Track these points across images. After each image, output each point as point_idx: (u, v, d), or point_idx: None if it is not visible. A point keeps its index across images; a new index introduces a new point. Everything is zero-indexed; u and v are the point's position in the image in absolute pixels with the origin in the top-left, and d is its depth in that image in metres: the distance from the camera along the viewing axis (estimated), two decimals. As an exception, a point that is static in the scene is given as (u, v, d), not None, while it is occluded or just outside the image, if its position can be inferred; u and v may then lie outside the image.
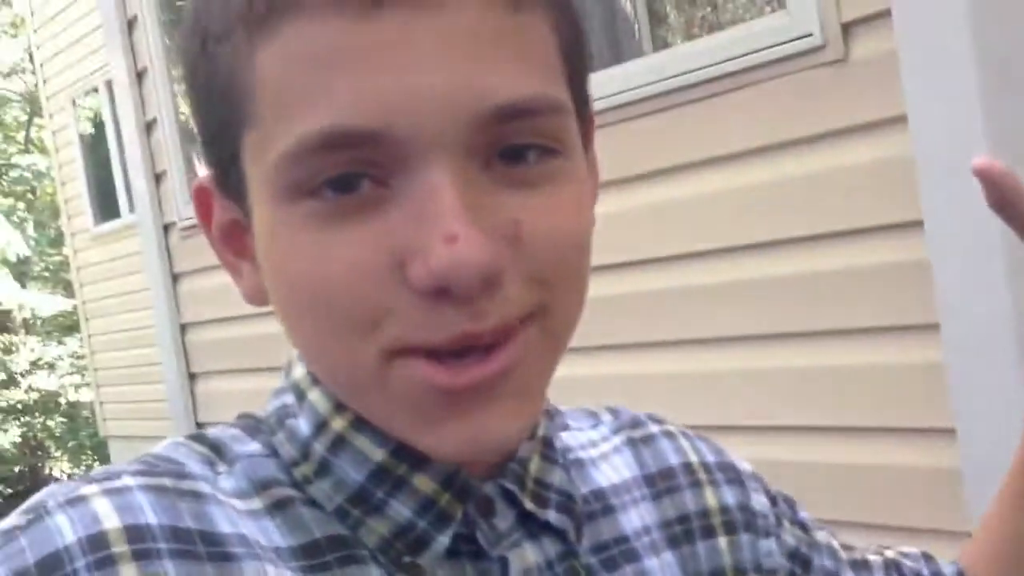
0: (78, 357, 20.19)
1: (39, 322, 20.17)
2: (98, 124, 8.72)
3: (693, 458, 0.65)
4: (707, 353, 2.00)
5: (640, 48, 2.55)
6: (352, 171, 0.45)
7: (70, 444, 20.27)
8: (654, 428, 0.67)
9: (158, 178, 3.44)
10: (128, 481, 0.50)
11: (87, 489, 0.49)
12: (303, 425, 0.55)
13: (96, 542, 0.47)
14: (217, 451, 0.55)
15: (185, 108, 3.66)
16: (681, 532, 0.62)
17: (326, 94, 0.44)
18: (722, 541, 0.63)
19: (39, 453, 20.32)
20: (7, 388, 19.57)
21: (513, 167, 0.47)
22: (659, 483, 0.64)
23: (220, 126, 0.50)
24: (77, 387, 19.95)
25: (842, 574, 0.69)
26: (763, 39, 1.86)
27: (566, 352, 0.51)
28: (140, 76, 3.41)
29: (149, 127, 3.43)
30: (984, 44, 1.57)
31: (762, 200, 1.88)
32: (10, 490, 20.85)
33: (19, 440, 19.69)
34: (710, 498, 0.64)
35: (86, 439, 20.63)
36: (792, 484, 1.01)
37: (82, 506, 0.48)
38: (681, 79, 1.96)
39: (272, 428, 0.56)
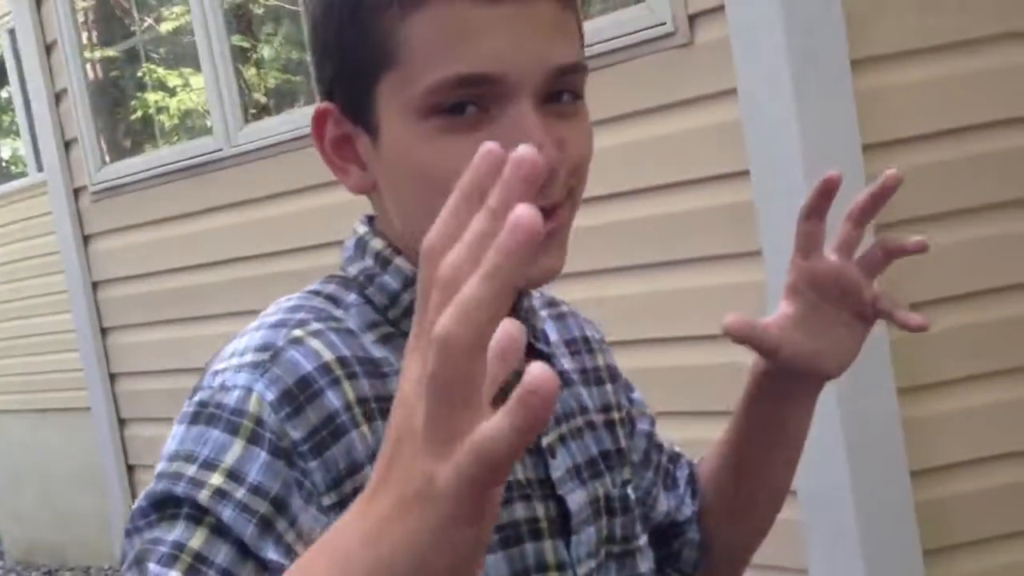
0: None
1: None
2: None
3: (588, 333, 0.96)
4: (576, 283, 2.43)
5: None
6: (466, 100, 0.70)
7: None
8: (564, 308, 0.96)
9: (68, 145, 3.66)
10: (319, 326, 0.73)
11: (298, 332, 0.72)
12: (391, 282, 0.77)
13: (326, 369, 0.70)
14: (334, 301, 0.77)
15: (95, 76, 3.87)
16: (591, 378, 0.92)
17: (459, 51, 0.69)
18: (608, 387, 0.94)
19: None
20: None
21: (555, 105, 0.72)
22: (572, 347, 0.93)
23: (360, 69, 0.73)
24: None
25: (649, 428, 1.00)
26: (626, 26, 2.29)
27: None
28: (49, 48, 3.61)
29: (58, 97, 3.64)
30: (793, 32, 2.04)
31: (625, 157, 2.32)
32: None
33: None
34: (599, 359, 0.95)
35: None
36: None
37: (304, 346, 0.71)
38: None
39: (362, 284, 0.78)
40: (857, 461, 2.08)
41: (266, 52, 4.65)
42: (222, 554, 0.65)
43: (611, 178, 2.34)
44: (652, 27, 2.24)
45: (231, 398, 0.69)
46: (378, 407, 0.72)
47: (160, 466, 0.69)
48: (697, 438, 2.23)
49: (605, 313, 2.38)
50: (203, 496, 0.65)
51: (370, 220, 0.82)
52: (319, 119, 0.77)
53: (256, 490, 0.66)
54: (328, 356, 0.71)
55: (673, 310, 2.32)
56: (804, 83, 2.05)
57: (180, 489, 0.66)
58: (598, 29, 2.35)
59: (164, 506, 0.66)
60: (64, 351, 7.15)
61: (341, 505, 0.68)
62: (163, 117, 4.57)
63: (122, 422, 3.66)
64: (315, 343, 0.72)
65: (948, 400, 2.11)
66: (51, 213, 6.96)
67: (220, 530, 0.65)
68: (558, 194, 0.73)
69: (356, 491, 0.68)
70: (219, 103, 3.21)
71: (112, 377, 3.67)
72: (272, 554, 0.66)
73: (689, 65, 2.22)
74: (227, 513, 0.65)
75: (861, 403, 2.09)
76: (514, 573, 0.76)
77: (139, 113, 4.16)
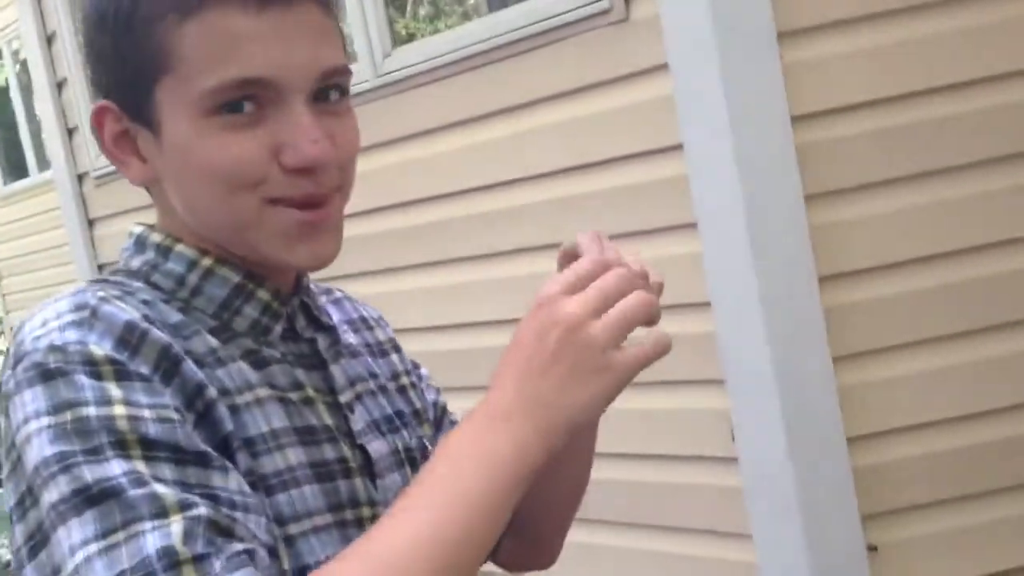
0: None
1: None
2: (2, 89, 8.82)
3: (364, 313, 1.05)
4: (502, 263, 2.49)
5: (478, 10, 2.99)
6: (244, 99, 0.78)
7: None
8: (338, 294, 1.05)
9: (70, 133, 3.79)
10: (118, 292, 0.79)
11: (102, 294, 0.77)
12: (175, 267, 0.84)
13: (140, 319, 0.76)
14: (122, 286, 0.83)
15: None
16: (376, 350, 1.01)
17: (233, 57, 0.77)
18: (393, 356, 1.03)
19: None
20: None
21: (325, 103, 0.81)
22: (352, 325, 1.01)
23: (138, 74, 0.80)
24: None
25: (436, 398, 1.08)
26: (565, 4, 2.32)
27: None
28: (50, 39, 3.73)
29: (60, 86, 3.77)
30: (718, 5, 2.06)
31: (564, 133, 2.36)
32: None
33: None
34: (380, 334, 1.04)
35: None
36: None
37: (112, 304, 0.76)
38: (504, 37, 2.42)
39: (147, 274, 0.85)
40: (795, 429, 2.11)
41: None
42: (167, 469, 0.70)
43: (551, 155, 2.38)
44: (589, 4, 2.27)
45: (72, 354, 0.72)
46: (187, 355, 0.78)
47: (35, 424, 0.70)
48: (654, 408, 2.27)
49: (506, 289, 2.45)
50: (120, 425, 0.70)
51: (146, 225, 0.89)
52: (98, 116, 0.84)
53: (156, 407, 0.72)
54: (136, 314, 0.77)
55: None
56: (730, 55, 2.06)
57: (92, 424, 0.69)
58: (538, 8, 2.38)
59: (71, 454, 0.69)
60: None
61: (195, 425, 0.75)
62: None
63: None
64: (120, 303, 0.77)
65: (883, 367, 2.13)
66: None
67: (152, 446, 0.70)
68: (330, 184, 0.82)
69: (207, 408, 0.76)
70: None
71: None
72: (205, 446, 0.73)
73: (625, 41, 2.24)
74: (152, 429, 0.70)
75: (797, 371, 2.11)
76: (330, 505, 0.84)
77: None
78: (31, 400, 0.72)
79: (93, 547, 0.66)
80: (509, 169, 2.46)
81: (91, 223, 3.78)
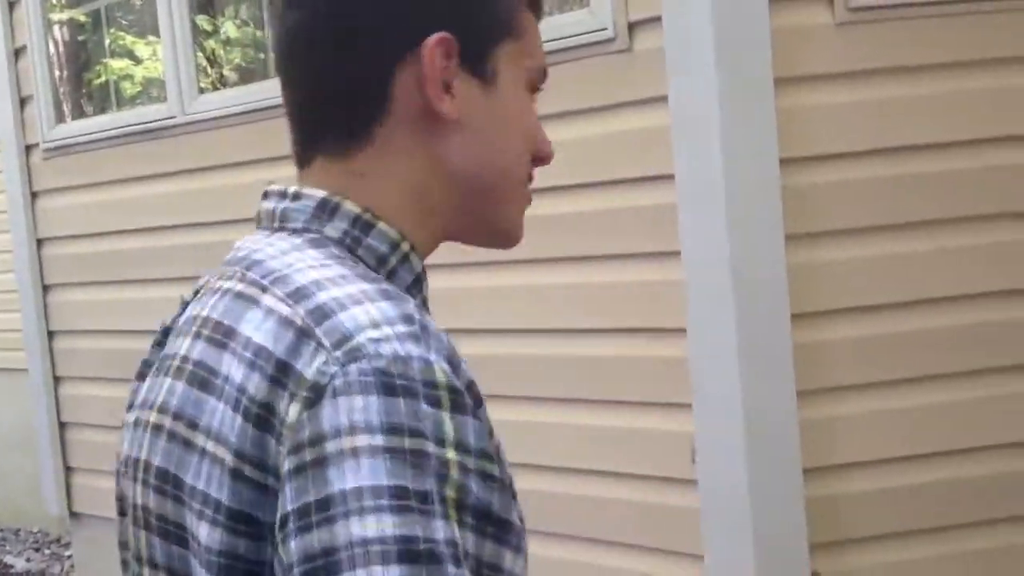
0: None
1: None
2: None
3: None
4: (491, 272, 2.54)
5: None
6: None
7: None
8: None
9: (23, 102, 3.69)
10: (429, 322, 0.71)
11: (415, 304, 0.71)
12: (379, 245, 0.78)
13: (452, 342, 0.70)
14: (341, 260, 0.75)
15: (55, 37, 3.89)
16: None
17: (541, 49, 0.89)
18: None
19: None
20: None
21: None
22: None
23: (494, 26, 0.83)
24: None
25: None
26: (570, 29, 2.40)
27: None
28: (12, 5, 3.64)
29: (17, 53, 3.67)
30: (722, 48, 2.16)
31: (561, 153, 2.42)
32: None
33: None
34: None
35: None
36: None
37: (434, 334, 0.69)
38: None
39: (350, 246, 0.77)
40: (755, 456, 2.20)
41: (230, 30, 4.70)
42: (471, 539, 0.64)
43: (544, 171, 2.44)
44: (593, 31, 2.35)
45: (416, 371, 0.65)
46: None
47: (365, 438, 0.62)
48: (619, 425, 2.34)
49: (535, 301, 2.49)
50: (452, 474, 0.63)
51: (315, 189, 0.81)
52: (440, 45, 0.79)
53: (481, 455, 0.65)
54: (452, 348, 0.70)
55: (597, 302, 2.43)
56: (729, 95, 2.16)
57: (429, 465, 0.62)
58: (543, 30, 2.45)
59: (406, 493, 0.61)
60: (3, 311, 7.12)
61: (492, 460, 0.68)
62: (126, 84, 4.61)
63: (57, 379, 3.70)
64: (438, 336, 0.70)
65: (843, 405, 2.24)
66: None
67: (468, 510, 0.64)
68: None
69: (497, 448, 0.69)
70: (175, 69, 3.27)
71: (50, 335, 3.71)
72: (515, 517, 0.67)
73: (626, 70, 2.33)
74: (474, 488, 0.64)
75: (763, 403, 2.21)
76: None
77: (102, 78, 4.19)
78: (363, 408, 0.63)
79: None
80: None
81: (34, 196, 3.68)
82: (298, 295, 0.70)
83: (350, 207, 0.78)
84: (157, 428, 0.74)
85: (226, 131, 3.13)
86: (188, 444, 0.70)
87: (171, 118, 3.30)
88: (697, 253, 2.23)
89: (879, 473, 2.25)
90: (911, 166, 2.21)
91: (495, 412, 0.71)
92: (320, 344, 0.66)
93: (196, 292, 0.82)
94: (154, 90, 4.76)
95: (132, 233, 3.44)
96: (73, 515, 3.81)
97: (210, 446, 0.69)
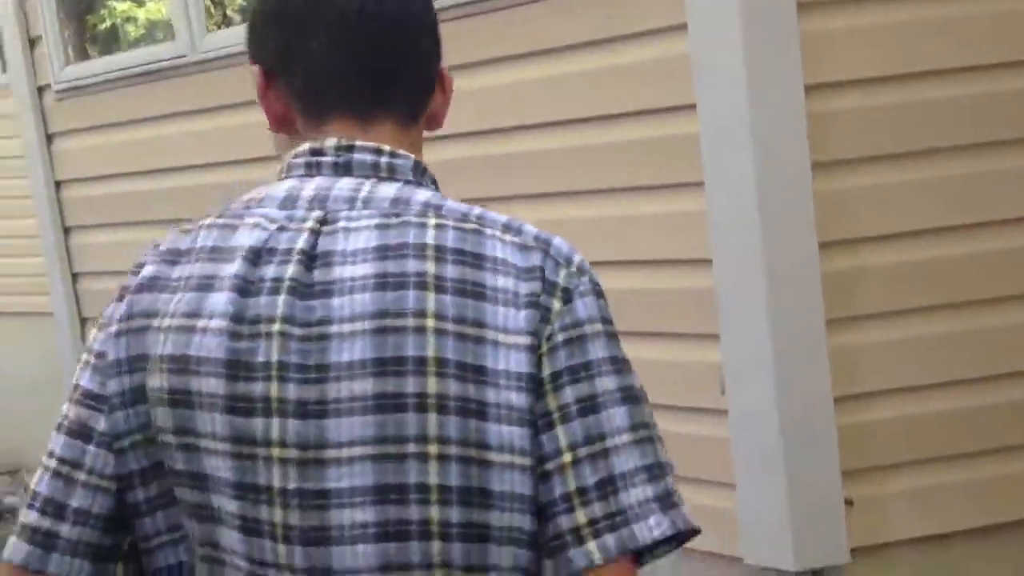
0: None
1: None
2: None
3: None
4: (516, 206, 2.50)
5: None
6: None
7: None
8: None
9: (32, 43, 3.65)
10: None
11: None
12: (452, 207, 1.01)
13: None
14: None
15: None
16: None
17: None
18: None
19: None
20: None
21: None
22: None
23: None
24: None
25: None
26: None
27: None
28: (17, -56, 3.58)
29: (24, -7, 3.62)
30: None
31: (582, 84, 2.39)
32: None
33: None
34: None
35: None
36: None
37: None
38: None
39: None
40: (784, 385, 2.20)
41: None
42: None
43: (567, 103, 2.41)
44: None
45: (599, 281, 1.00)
46: None
47: (603, 327, 0.97)
48: (647, 358, 2.34)
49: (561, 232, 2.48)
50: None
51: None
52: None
53: None
54: None
55: (619, 235, 2.42)
56: (751, 20, 2.12)
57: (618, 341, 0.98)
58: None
59: (622, 360, 0.98)
60: (27, 255, 7.13)
61: None
62: (130, 27, 4.55)
63: (83, 321, 3.72)
64: None
65: (873, 332, 2.24)
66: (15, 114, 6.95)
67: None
68: None
69: None
70: (183, 7, 3.22)
71: (74, 277, 3.73)
72: None
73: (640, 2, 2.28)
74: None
75: (792, 331, 2.20)
76: None
77: (107, 22, 4.14)
78: (595, 306, 0.97)
79: (627, 436, 0.94)
80: (530, 113, 2.48)
81: (50, 138, 3.66)
82: (511, 227, 0.99)
83: (430, 172, 1.04)
84: (419, 330, 0.93)
85: (237, 69, 3.09)
86: (480, 339, 0.94)
87: (181, 57, 3.26)
88: (722, 181, 2.20)
89: (909, 400, 2.25)
90: (940, 90, 2.17)
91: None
92: (558, 262, 0.97)
93: (320, 224, 0.98)
94: (158, 32, 4.69)
95: (148, 174, 3.42)
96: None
97: (501, 337, 0.94)
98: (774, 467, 2.22)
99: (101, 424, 0.98)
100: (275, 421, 0.94)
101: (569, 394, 0.93)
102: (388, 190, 0.99)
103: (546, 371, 0.94)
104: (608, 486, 0.93)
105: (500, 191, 2.58)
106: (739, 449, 2.28)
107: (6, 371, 7.84)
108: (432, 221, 0.97)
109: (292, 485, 0.94)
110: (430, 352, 0.93)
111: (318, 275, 0.95)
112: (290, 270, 0.95)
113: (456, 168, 2.63)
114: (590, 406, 0.94)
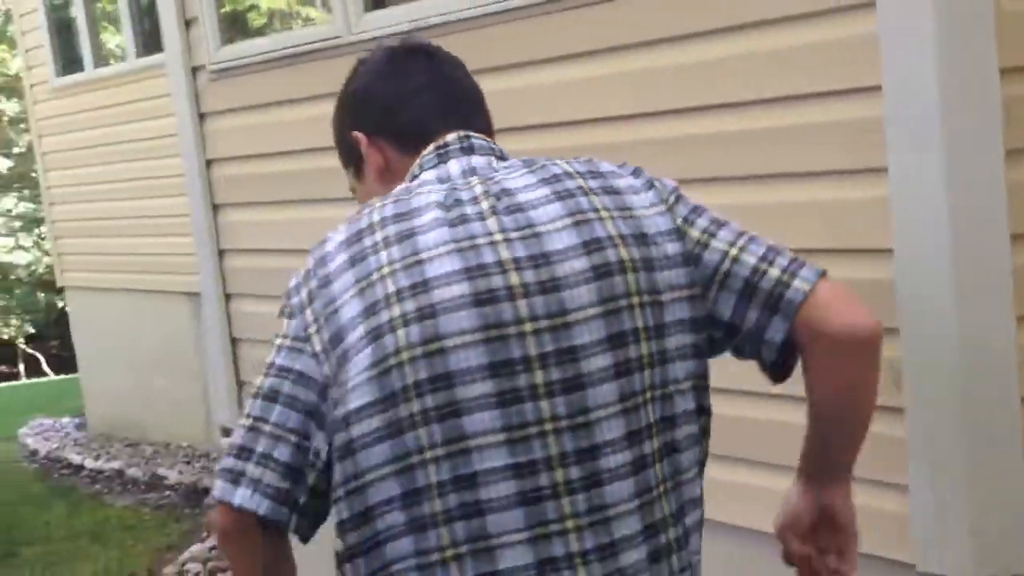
0: (15, 216, 19.94)
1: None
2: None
3: None
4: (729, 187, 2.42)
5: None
6: None
7: (0, 303, 20.20)
8: None
9: (188, 24, 3.73)
10: None
11: None
12: None
13: None
14: None
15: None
16: None
17: None
18: None
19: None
20: (-59, 244, 19.34)
21: None
22: None
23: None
24: (11, 248, 19.78)
25: None
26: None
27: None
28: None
29: (182, -25, 3.70)
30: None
31: (760, 64, 2.31)
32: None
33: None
34: None
35: (20, 298, 20.49)
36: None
37: None
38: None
39: None
40: (969, 383, 2.09)
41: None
42: None
43: (739, 86, 2.34)
44: None
45: None
46: None
47: (701, 205, 1.38)
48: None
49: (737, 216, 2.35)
50: None
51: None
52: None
53: None
54: None
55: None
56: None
57: None
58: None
59: (707, 208, 1.40)
60: (168, 235, 7.36)
61: None
62: (253, 15, 4.63)
63: (227, 297, 3.78)
64: None
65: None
66: (168, 96, 7.15)
67: None
68: None
69: None
70: (342, -11, 3.24)
71: (221, 253, 3.79)
72: None
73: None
74: None
75: (980, 327, 2.08)
76: None
77: (228, 7, 4.20)
78: (690, 201, 1.37)
79: (748, 233, 1.36)
80: (695, 95, 2.42)
81: (202, 117, 3.73)
82: (627, 170, 1.36)
83: None
84: (600, 220, 1.28)
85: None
86: (634, 217, 1.29)
87: (336, 38, 3.28)
88: (907, 169, 2.10)
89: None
90: None
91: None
92: (664, 185, 1.35)
93: (460, 198, 1.29)
94: (276, 22, 4.73)
95: (297, 153, 3.46)
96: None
97: (643, 211, 1.30)
98: (954, 468, 2.11)
99: (301, 392, 1.21)
100: (522, 303, 1.20)
101: (700, 223, 1.31)
102: (534, 161, 1.34)
103: (678, 219, 1.31)
104: (772, 252, 1.30)
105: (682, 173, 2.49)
106: (915, 448, 2.17)
107: (136, 348, 8.09)
108: (561, 162, 1.33)
109: (549, 348, 1.19)
110: (612, 231, 1.25)
111: (507, 201, 1.26)
112: (484, 204, 1.27)
113: (647, 148, 2.55)
114: (718, 223, 1.32)
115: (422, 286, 1.19)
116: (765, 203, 2.34)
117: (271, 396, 1.21)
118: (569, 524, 1.16)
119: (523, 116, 2.69)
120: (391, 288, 1.19)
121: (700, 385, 1.28)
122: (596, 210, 1.25)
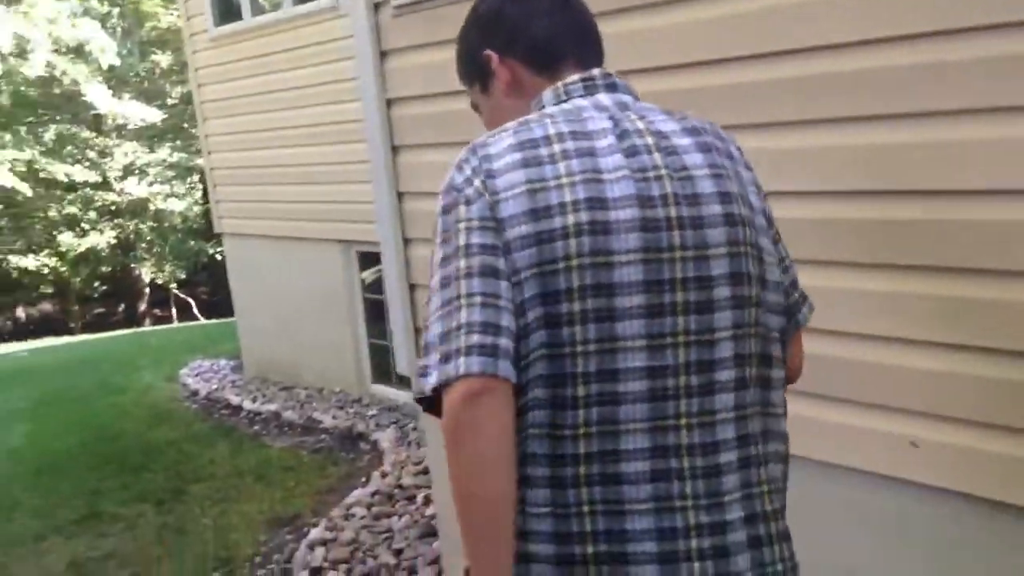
0: (169, 166, 20.65)
1: (130, 129, 20.58)
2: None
3: None
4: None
5: None
6: None
7: (155, 249, 21.02)
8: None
9: (370, -41, 3.63)
10: None
11: None
12: None
13: None
14: None
15: None
16: None
17: None
18: None
19: (131, 254, 21.11)
20: (102, 190, 20.21)
21: None
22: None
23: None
24: (166, 196, 20.51)
25: None
26: None
27: None
28: None
29: (363, -91, 3.60)
30: None
31: None
32: (104, 287, 21.78)
33: (113, 241, 20.48)
34: None
35: (174, 244, 21.28)
36: None
37: None
38: None
39: None
40: None
41: None
42: None
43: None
44: None
45: None
46: None
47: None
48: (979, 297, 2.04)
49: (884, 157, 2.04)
50: None
51: None
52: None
53: None
54: None
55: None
56: None
57: None
58: None
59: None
60: (324, 183, 7.41)
61: None
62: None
63: (406, 242, 3.72)
64: None
65: None
66: (324, 43, 7.15)
67: None
68: None
69: None
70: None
71: (400, 196, 3.72)
72: None
73: None
74: None
75: None
76: None
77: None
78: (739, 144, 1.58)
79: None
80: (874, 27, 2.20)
81: (383, 55, 3.65)
82: (734, 143, 1.56)
83: None
84: (730, 176, 1.49)
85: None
86: (742, 181, 1.50)
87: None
88: None
89: None
90: None
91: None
92: (753, 171, 1.55)
93: (627, 130, 1.47)
94: None
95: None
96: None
97: (758, 215, 1.50)
98: None
99: (502, 264, 1.34)
100: (676, 233, 1.39)
101: (774, 222, 1.56)
102: (647, 102, 1.54)
103: (767, 207, 1.52)
104: (797, 282, 1.58)
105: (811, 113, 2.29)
106: None
107: (292, 294, 8.21)
108: (692, 118, 1.51)
109: (691, 274, 1.39)
110: (734, 189, 1.46)
111: (665, 143, 1.45)
112: (650, 139, 1.44)
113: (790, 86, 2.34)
114: (778, 232, 1.56)
115: (599, 203, 1.36)
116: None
117: (489, 272, 1.34)
118: (683, 421, 1.36)
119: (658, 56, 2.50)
120: (568, 197, 1.36)
121: (784, 340, 1.52)
122: (724, 167, 1.45)
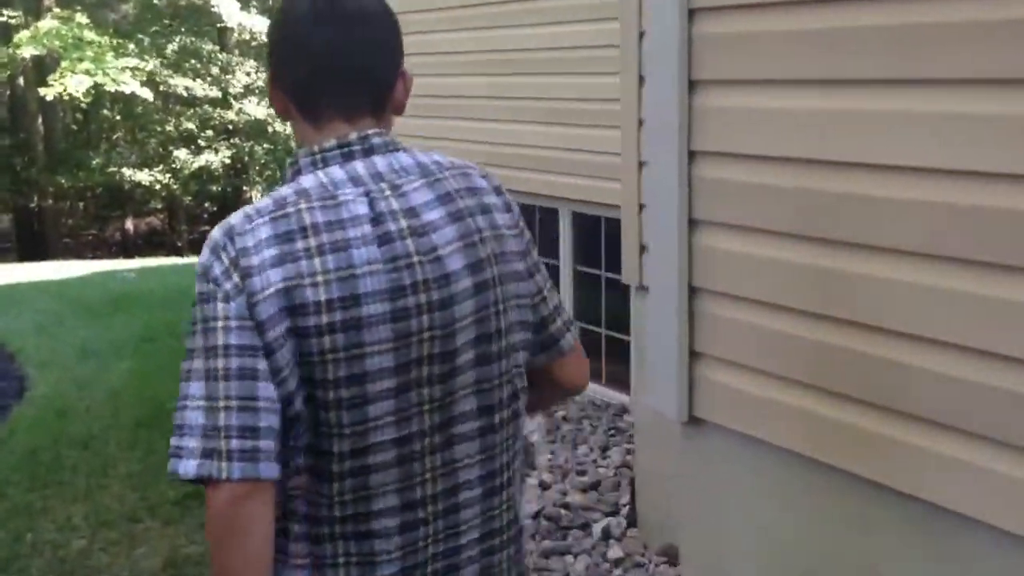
0: (291, 87, 19.79)
1: (254, 47, 19.88)
2: None
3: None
4: None
5: None
6: None
7: (267, 173, 20.41)
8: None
9: None
10: None
11: None
12: None
13: None
14: None
15: None
16: None
17: None
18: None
19: (244, 176, 20.54)
20: (221, 108, 19.57)
21: None
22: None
23: None
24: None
25: None
26: None
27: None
28: None
29: None
30: None
31: None
32: (214, 207, 21.31)
33: (227, 161, 19.89)
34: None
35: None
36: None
37: None
38: None
39: None
40: None
41: None
42: None
43: None
44: None
45: None
46: None
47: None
48: None
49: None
50: None
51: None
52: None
53: None
54: None
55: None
56: None
57: None
58: None
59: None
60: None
61: None
62: None
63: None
64: None
65: None
66: None
67: None
68: None
69: None
70: None
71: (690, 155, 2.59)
72: None
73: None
74: None
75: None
76: None
77: None
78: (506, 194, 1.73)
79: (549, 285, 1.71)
80: None
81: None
82: (492, 183, 1.61)
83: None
84: (482, 241, 1.54)
85: None
86: (500, 237, 1.56)
87: None
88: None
89: None
90: None
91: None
92: (516, 208, 1.62)
93: (382, 213, 1.49)
94: None
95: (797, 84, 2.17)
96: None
97: (507, 232, 1.58)
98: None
99: (262, 365, 1.40)
100: (425, 317, 1.47)
101: (534, 254, 1.63)
102: (405, 159, 1.53)
103: (526, 243, 1.60)
104: (558, 309, 1.66)
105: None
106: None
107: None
108: (449, 178, 1.55)
109: (436, 351, 1.48)
110: (487, 251, 1.53)
111: (416, 223, 1.49)
112: (403, 222, 1.48)
113: None
114: (539, 264, 1.65)
115: (352, 300, 1.42)
116: None
117: (248, 375, 1.39)
118: (428, 475, 1.50)
119: None
120: (323, 296, 1.41)
121: (551, 366, 1.67)
122: (477, 231, 1.51)
